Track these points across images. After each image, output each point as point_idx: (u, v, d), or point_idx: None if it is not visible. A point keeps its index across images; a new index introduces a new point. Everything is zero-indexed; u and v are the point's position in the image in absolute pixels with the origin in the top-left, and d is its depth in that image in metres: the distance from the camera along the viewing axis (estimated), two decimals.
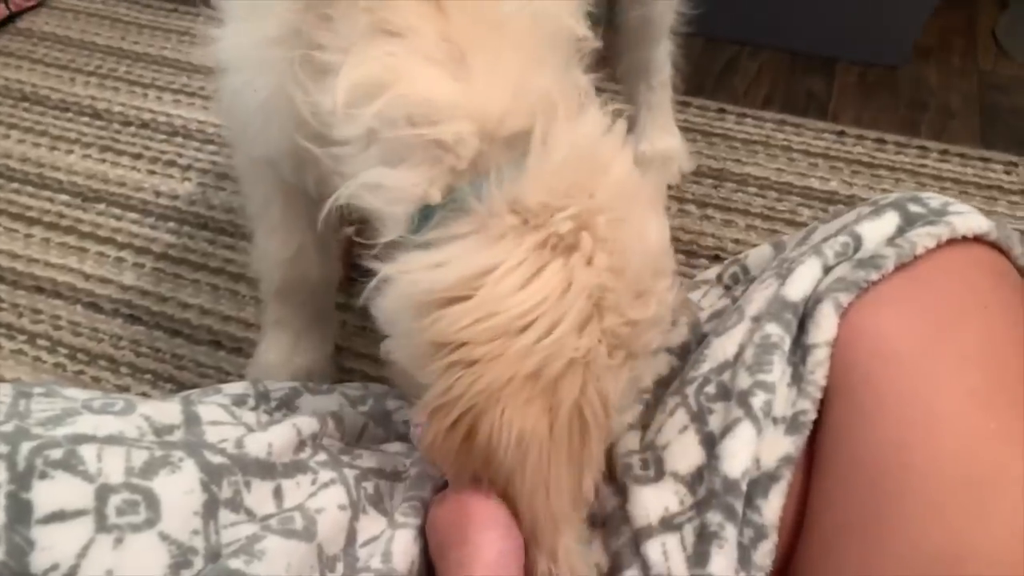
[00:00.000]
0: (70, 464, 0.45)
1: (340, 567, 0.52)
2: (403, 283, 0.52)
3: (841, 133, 1.34)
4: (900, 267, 0.55)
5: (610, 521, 0.58)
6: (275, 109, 0.59)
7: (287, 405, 0.70)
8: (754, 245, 1.14)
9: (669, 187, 1.22)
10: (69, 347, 1.02)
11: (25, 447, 0.45)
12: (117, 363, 1.00)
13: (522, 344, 0.49)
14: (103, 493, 0.45)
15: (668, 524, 0.55)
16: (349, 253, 1.04)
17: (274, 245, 0.84)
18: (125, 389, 0.97)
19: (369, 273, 0.56)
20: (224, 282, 1.10)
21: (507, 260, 0.50)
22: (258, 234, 0.85)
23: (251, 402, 0.68)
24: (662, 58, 1.18)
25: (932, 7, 1.45)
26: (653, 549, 0.55)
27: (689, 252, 1.14)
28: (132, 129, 1.35)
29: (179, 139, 1.33)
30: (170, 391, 0.97)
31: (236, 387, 0.69)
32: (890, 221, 0.59)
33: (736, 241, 1.16)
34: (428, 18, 0.52)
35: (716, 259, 1.13)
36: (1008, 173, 1.27)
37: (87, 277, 1.11)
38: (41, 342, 1.03)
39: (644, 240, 0.54)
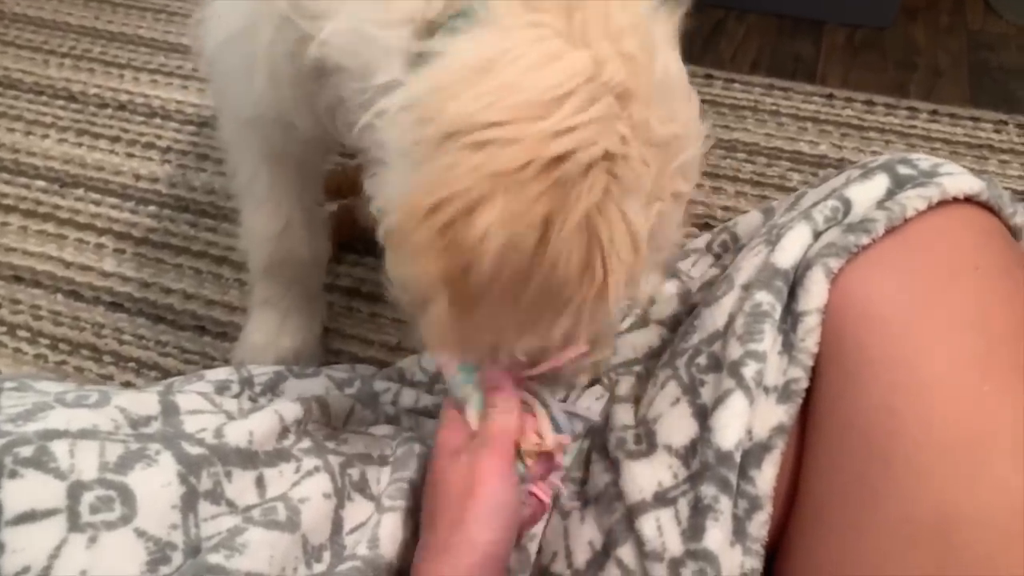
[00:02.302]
0: (41, 461, 0.44)
1: (327, 556, 0.51)
2: (402, 98, 0.46)
3: (830, 96, 1.32)
4: (890, 230, 0.54)
5: (602, 498, 0.57)
6: (259, 35, 0.56)
7: (271, 390, 0.69)
8: (744, 212, 1.13)
9: None
10: (50, 337, 1.00)
11: None
12: (100, 352, 0.99)
13: (546, 125, 0.42)
14: (76, 491, 0.43)
15: (662, 499, 0.55)
16: (338, 232, 1.02)
17: (261, 220, 0.82)
18: (108, 378, 0.96)
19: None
20: (207, 265, 1.08)
21: (522, 42, 0.44)
22: (245, 209, 0.83)
23: (235, 388, 0.67)
24: None
25: None
26: (647, 524, 0.54)
27: None
28: (109, 111, 1.32)
29: (157, 120, 1.30)
30: (154, 379, 0.95)
31: (219, 373, 0.68)
32: (880, 184, 0.57)
33: (725, 208, 1.14)
34: None
35: (706, 227, 1.11)
36: (998, 132, 1.25)
37: (67, 265, 1.09)
38: (21, 333, 1.01)
39: (663, 57, 0.48)
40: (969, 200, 0.55)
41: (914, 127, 1.27)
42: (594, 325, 0.48)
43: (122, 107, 1.33)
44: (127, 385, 0.95)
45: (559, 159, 0.42)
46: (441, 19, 0.47)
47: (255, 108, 0.63)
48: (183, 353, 0.98)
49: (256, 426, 0.53)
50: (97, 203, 1.17)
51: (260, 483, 0.51)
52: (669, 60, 0.49)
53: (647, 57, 0.46)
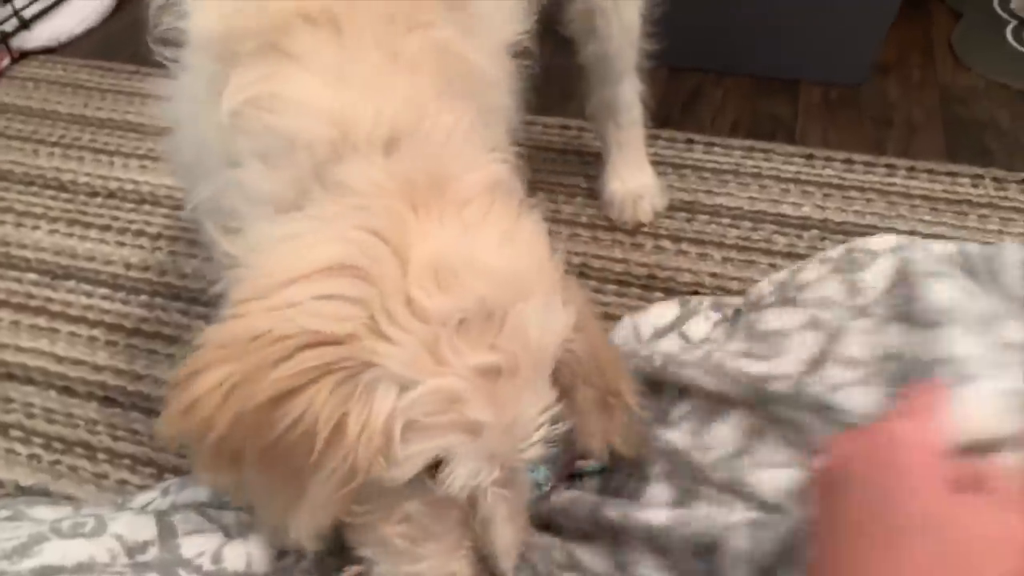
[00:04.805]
0: None
1: None
2: None
3: (810, 156, 1.35)
4: None
5: None
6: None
7: None
8: (732, 278, 1.15)
9: (643, 224, 1.22)
10: (44, 435, 1.00)
11: None
12: (94, 449, 0.98)
13: (270, 303, 0.46)
14: None
15: None
16: None
17: None
18: (103, 476, 0.95)
19: None
20: None
21: (300, 231, 0.50)
22: None
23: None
24: (629, 97, 1.18)
25: (889, 23, 1.46)
26: None
27: (667, 289, 1.14)
28: (99, 200, 1.34)
29: (147, 207, 1.32)
30: (150, 475, 0.95)
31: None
32: None
33: (713, 275, 1.16)
34: (325, 43, 0.54)
35: (695, 294, 1.13)
36: (976, 186, 1.27)
37: (59, 359, 1.09)
38: (14, 432, 1.00)
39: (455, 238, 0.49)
40: None
41: (893, 184, 1.29)
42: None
43: (112, 195, 1.34)
44: (122, 484, 0.94)
45: (277, 336, 0.45)
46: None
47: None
48: (178, 447, 0.97)
49: (254, 547, 0.53)
50: (89, 294, 1.17)
51: None
52: (476, 241, 0.49)
53: (401, 241, 0.47)
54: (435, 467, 0.48)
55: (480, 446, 0.48)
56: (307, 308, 0.45)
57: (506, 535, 0.53)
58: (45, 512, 0.53)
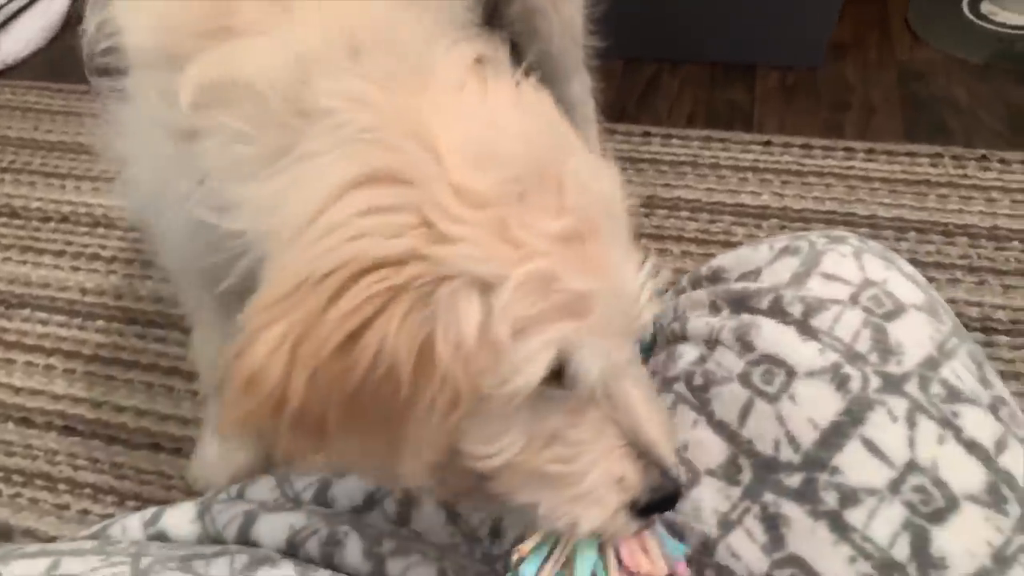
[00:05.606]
0: None
1: None
2: None
3: (767, 143, 1.34)
4: None
5: None
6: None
7: (245, 539, 0.66)
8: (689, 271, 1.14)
9: None
10: (3, 468, 0.99)
11: None
12: (54, 480, 0.97)
13: (305, 245, 0.41)
14: None
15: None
16: None
17: (210, 344, 0.82)
18: (64, 507, 0.94)
19: None
20: (158, 378, 1.06)
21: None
22: (195, 331, 0.84)
23: (204, 546, 0.64)
24: (581, 94, 1.17)
25: (841, 1, 1.45)
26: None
27: None
28: (52, 224, 1.32)
29: (101, 230, 1.30)
30: (111, 503, 0.94)
31: (182, 522, 0.65)
32: None
33: (674, 271, 1.15)
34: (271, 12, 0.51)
35: None
36: (934, 166, 1.27)
37: (17, 391, 1.07)
38: None
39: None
40: None
41: (852, 168, 1.29)
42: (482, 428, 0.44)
43: (65, 219, 1.32)
44: (84, 513, 0.93)
45: (326, 271, 0.40)
46: None
47: (181, 262, 0.63)
48: (139, 474, 0.97)
49: None
50: (44, 322, 1.16)
51: None
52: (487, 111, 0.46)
53: (426, 135, 0.43)
54: (557, 374, 0.44)
55: (598, 321, 0.43)
56: (349, 231, 0.40)
57: (656, 418, 0.48)
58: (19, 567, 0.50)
